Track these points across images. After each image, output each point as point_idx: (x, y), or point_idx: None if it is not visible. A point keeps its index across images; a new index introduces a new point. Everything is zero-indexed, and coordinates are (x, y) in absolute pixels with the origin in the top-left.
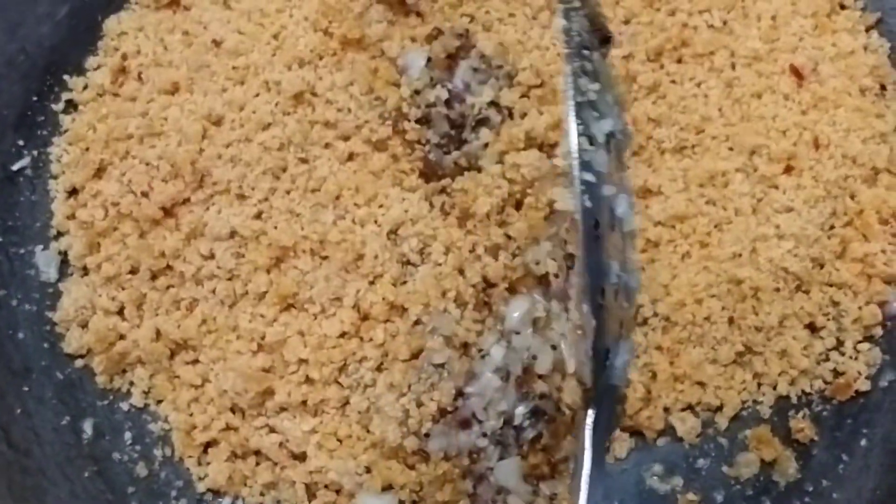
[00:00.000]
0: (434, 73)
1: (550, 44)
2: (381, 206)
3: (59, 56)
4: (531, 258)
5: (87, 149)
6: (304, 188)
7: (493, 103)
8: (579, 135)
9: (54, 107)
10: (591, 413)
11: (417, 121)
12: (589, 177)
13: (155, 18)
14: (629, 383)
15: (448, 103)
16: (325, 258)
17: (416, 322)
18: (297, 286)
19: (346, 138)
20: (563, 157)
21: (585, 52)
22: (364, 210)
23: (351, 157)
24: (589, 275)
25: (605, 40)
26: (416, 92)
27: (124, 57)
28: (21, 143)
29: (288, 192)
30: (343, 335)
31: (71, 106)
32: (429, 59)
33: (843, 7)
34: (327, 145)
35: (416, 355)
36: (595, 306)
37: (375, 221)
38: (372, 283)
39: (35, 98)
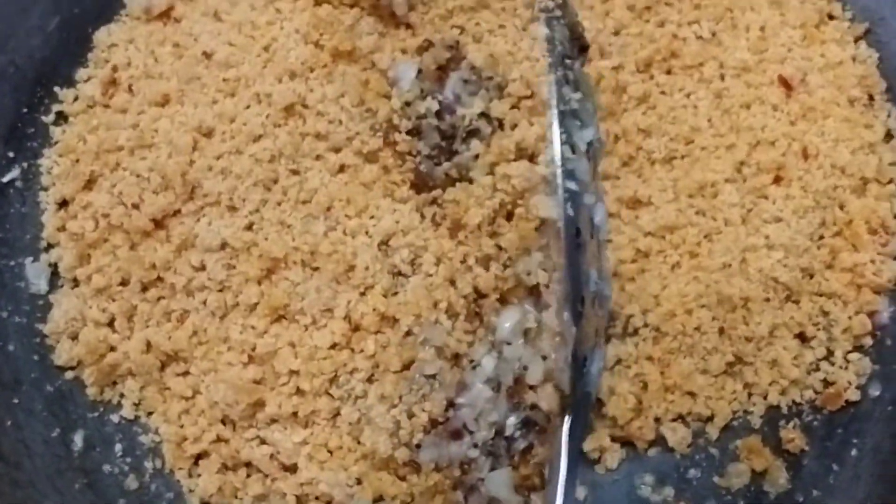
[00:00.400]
0: (425, 84)
1: (540, 55)
2: (372, 218)
3: (49, 68)
4: (522, 269)
5: (78, 160)
6: (295, 200)
7: (484, 114)
8: (562, 143)
9: (45, 118)
10: (567, 420)
11: (408, 132)
12: (572, 185)
13: (145, 30)
14: (600, 390)
15: (439, 115)
16: (316, 269)
17: (408, 333)
18: (288, 297)
19: (337, 150)
20: (546, 166)
21: (567, 61)
22: (355, 221)
23: (342, 168)
24: (570, 282)
25: (583, 49)
26: (407, 103)
27: (115, 69)
28: (11, 154)
29: (279, 204)
30: (334, 346)
31: (61, 118)
32: (419, 71)
33: (831, 18)
34: (318, 157)
35: (407, 366)
36: (575, 314)
37: (366, 233)
38: (363, 294)
39: (25, 110)
